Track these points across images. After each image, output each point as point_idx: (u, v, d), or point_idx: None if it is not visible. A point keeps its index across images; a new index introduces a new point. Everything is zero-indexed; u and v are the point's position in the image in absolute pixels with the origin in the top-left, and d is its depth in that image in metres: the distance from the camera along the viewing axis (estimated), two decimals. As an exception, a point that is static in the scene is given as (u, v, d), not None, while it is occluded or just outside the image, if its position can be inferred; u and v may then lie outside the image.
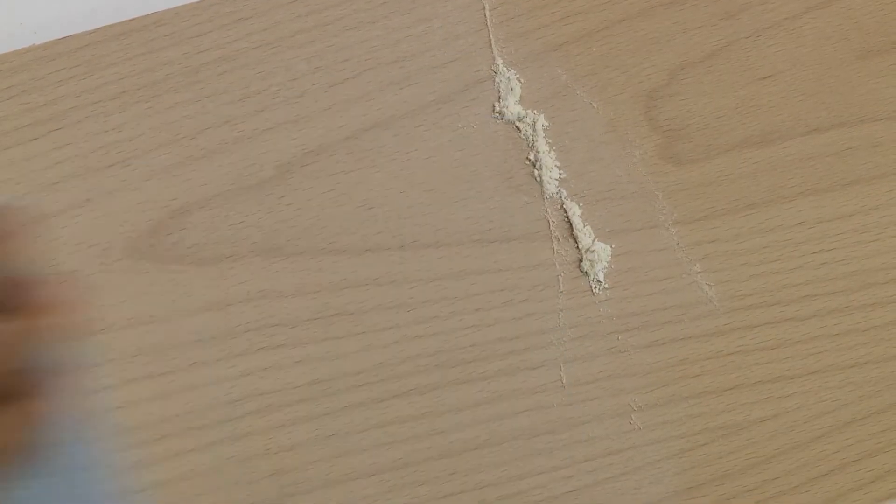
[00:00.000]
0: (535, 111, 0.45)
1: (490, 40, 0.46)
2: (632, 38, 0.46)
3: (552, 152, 0.45)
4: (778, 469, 0.44)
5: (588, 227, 0.45)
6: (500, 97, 0.45)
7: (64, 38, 0.43)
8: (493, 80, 0.45)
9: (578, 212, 0.45)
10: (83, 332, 0.30)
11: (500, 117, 0.45)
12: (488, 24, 0.46)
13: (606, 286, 0.45)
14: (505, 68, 0.45)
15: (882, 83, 0.48)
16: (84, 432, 0.31)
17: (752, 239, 0.46)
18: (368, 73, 0.45)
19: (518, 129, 0.45)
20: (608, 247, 0.45)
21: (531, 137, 0.45)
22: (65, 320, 0.29)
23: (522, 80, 0.46)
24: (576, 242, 0.45)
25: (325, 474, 0.42)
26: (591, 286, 0.45)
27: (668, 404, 0.44)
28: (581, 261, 0.45)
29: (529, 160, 0.45)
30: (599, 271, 0.45)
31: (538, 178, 0.45)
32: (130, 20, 0.44)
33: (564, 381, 0.44)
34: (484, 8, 0.46)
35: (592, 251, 0.45)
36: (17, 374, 0.28)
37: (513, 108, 0.45)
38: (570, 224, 0.45)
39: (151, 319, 0.42)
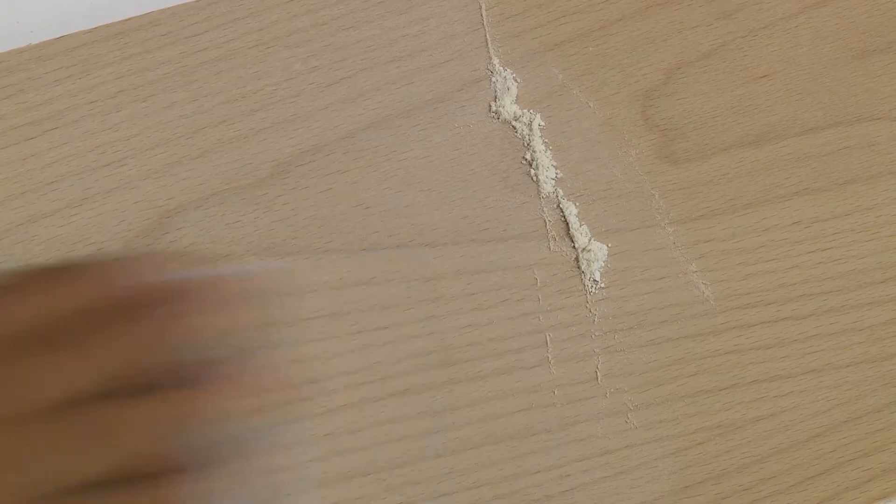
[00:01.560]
0: (531, 111, 0.45)
1: (486, 40, 0.46)
2: (628, 37, 0.46)
3: (548, 152, 0.45)
4: (774, 468, 0.44)
5: (584, 227, 0.45)
6: (496, 97, 0.45)
7: (61, 37, 0.43)
8: (490, 80, 0.45)
9: (575, 211, 0.45)
10: (293, 412, 0.29)
11: (496, 117, 0.45)
12: (484, 23, 0.46)
13: (602, 285, 0.45)
14: (501, 68, 0.46)
15: (878, 83, 0.48)
16: None
17: (748, 238, 0.46)
18: (365, 72, 0.45)
19: (514, 128, 0.45)
20: (604, 246, 0.45)
21: (527, 137, 0.45)
22: (281, 397, 0.29)
23: (519, 80, 0.46)
24: (572, 242, 0.45)
25: (320, 473, 0.42)
26: (587, 285, 0.45)
27: (664, 403, 0.44)
28: (577, 260, 0.45)
29: (526, 160, 0.45)
30: (595, 270, 0.45)
31: (534, 178, 0.45)
32: (127, 20, 0.44)
33: (561, 381, 0.44)
34: (480, 7, 0.46)
35: (588, 250, 0.45)
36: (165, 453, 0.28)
37: (509, 107, 0.45)
38: (567, 223, 0.45)
39: (148, 319, 0.42)
